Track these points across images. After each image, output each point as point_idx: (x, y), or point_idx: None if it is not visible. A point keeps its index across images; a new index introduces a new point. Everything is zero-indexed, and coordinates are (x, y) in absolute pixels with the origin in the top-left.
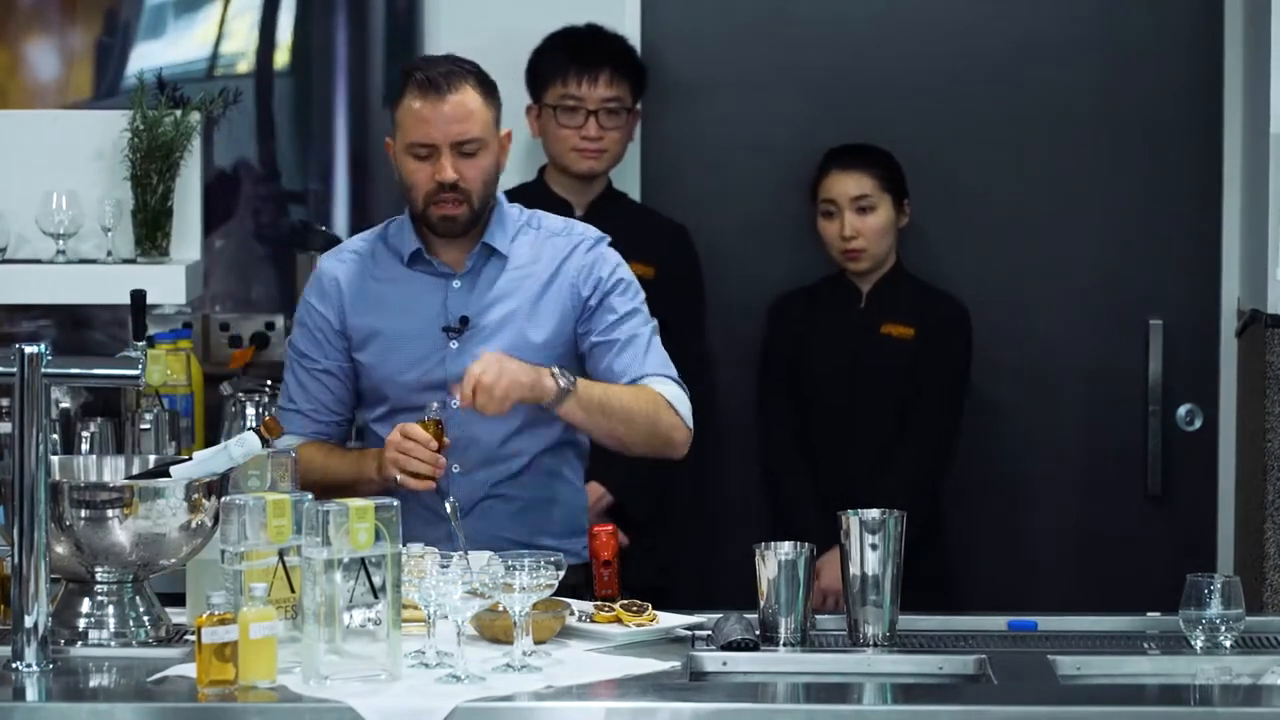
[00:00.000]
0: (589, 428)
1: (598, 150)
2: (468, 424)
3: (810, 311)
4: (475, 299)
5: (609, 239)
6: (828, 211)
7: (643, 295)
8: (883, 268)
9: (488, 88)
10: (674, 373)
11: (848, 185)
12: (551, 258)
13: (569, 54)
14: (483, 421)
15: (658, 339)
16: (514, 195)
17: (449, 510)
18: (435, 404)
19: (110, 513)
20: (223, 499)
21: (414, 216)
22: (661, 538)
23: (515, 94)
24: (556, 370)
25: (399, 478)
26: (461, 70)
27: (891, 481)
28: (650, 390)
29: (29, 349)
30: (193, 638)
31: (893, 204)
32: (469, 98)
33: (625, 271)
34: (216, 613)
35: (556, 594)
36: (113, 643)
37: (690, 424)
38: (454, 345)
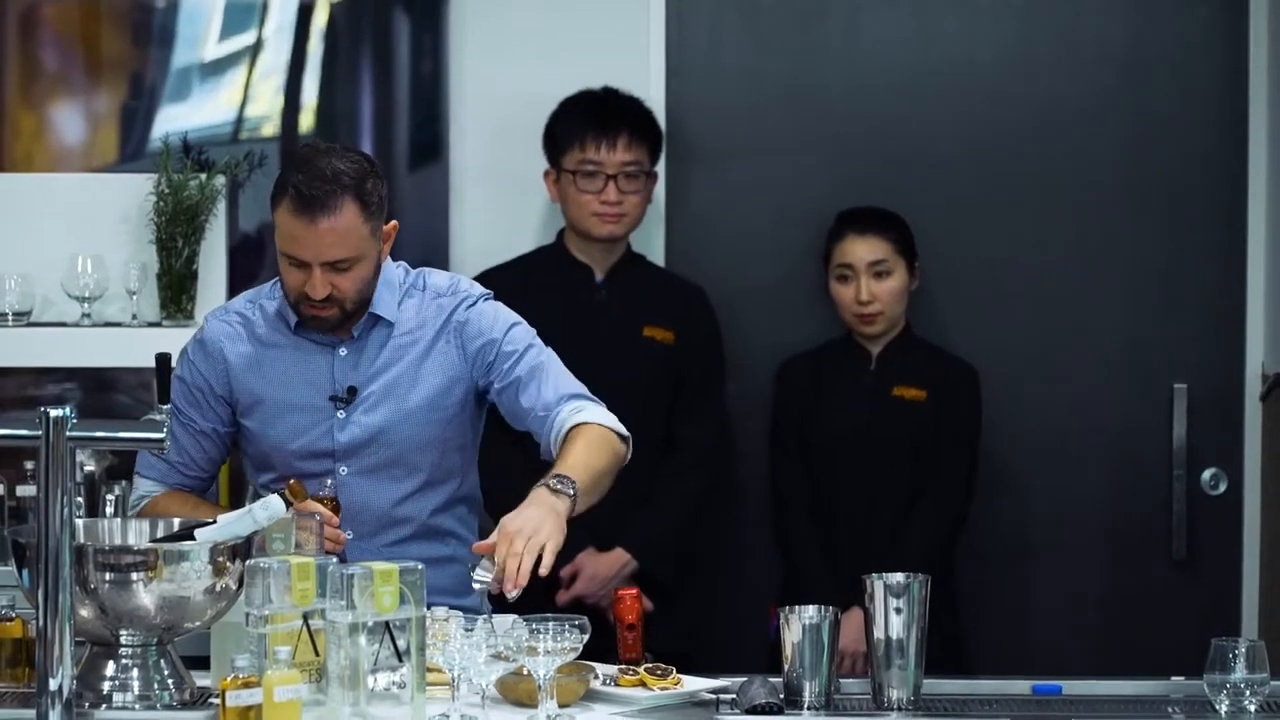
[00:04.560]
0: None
1: (617, 214)
2: (358, 490)
3: (819, 375)
4: (362, 367)
5: (491, 294)
6: (843, 276)
7: (534, 332)
8: (893, 331)
9: (369, 199)
10: (584, 389)
11: (864, 250)
12: (435, 319)
13: (587, 118)
14: (374, 487)
15: (557, 360)
16: (533, 259)
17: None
18: (330, 480)
19: (135, 576)
20: (247, 562)
21: None
22: (685, 601)
23: (539, 157)
24: (556, 485)
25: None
26: (340, 186)
27: (908, 547)
28: (595, 431)
29: (54, 412)
30: (217, 701)
31: (906, 268)
32: (344, 219)
33: (509, 315)
34: (241, 675)
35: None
36: (137, 705)
37: (626, 430)
38: (341, 415)
